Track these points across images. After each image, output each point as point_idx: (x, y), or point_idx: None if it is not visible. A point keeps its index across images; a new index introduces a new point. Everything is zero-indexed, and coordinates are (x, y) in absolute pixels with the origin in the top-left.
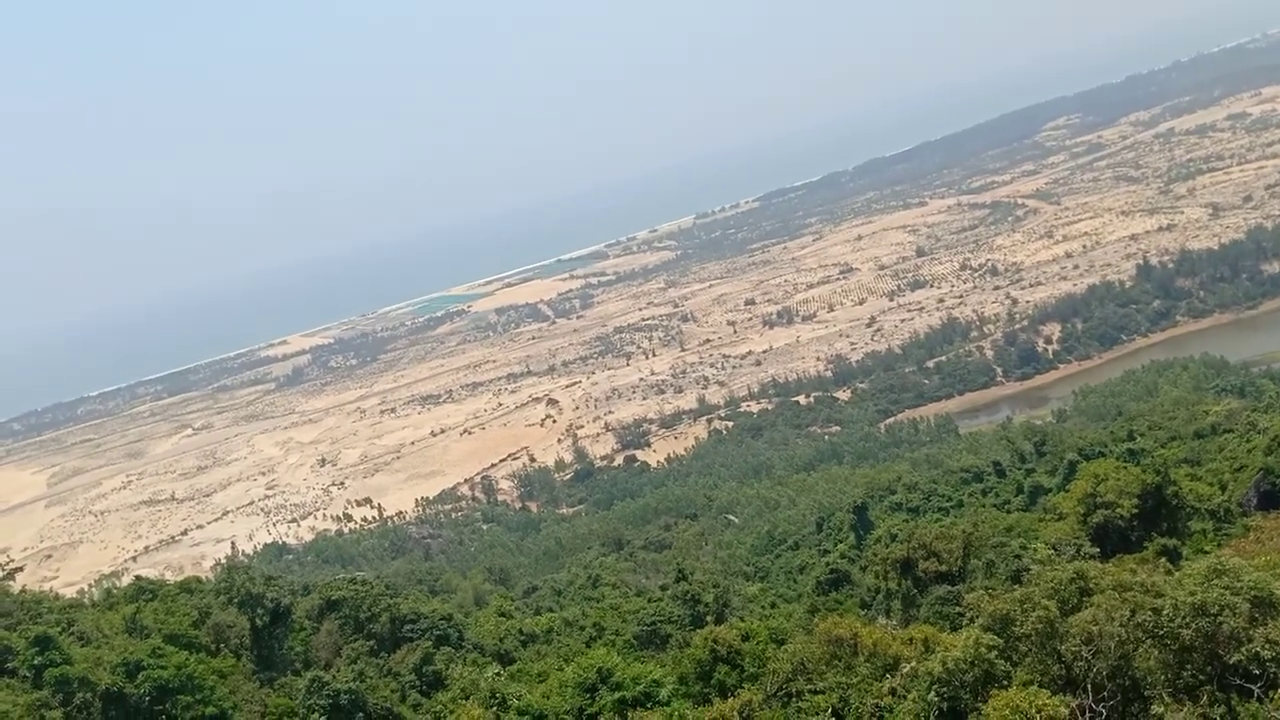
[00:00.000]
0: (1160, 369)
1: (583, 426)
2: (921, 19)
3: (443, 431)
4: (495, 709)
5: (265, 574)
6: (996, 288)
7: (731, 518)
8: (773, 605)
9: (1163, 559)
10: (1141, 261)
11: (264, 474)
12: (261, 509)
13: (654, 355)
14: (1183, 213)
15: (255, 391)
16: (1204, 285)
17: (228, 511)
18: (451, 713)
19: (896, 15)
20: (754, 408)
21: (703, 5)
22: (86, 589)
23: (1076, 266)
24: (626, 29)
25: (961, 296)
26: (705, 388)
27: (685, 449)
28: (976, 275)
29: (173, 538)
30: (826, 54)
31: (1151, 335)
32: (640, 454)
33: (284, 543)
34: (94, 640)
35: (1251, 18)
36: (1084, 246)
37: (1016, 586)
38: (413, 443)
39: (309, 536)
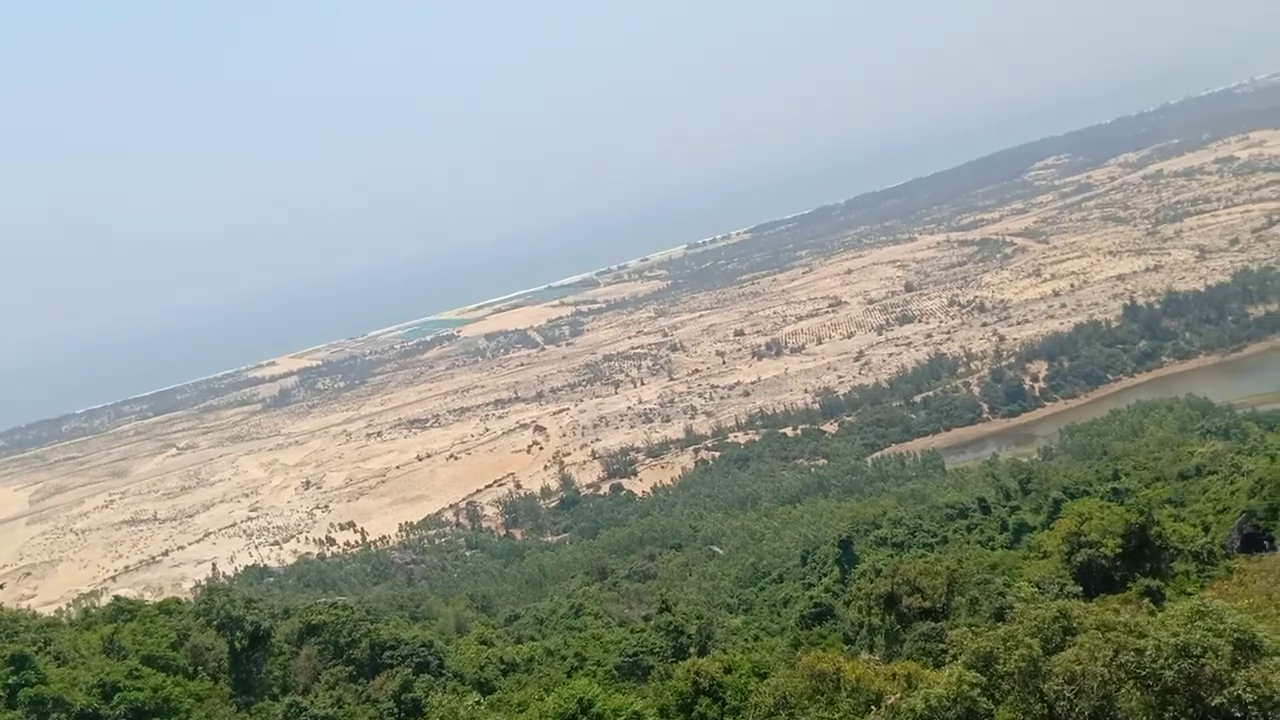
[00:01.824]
0: (1145, 409)
1: (569, 454)
2: (910, 52)
3: (429, 456)
4: None
5: (246, 596)
6: (984, 324)
7: (716, 549)
8: (756, 638)
9: (1146, 599)
10: (1128, 302)
11: (247, 495)
12: (244, 531)
13: (642, 384)
14: (1170, 254)
15: (241, 412)
16: (1190, 327)
17: (210, 533)
18: None
19: (884, 48)
20: (741, 439)
21: (692, 36)
22: (65, 608)
23: (1064, 305)
24: (623, 59)
25: (949, 332)
26: (693, 417)
27: (672, 479)
28: (964, 312)
29: (153, 558)
30: (818, 84)
31: (1137, 375)
32: (627, 483)
33: (265, 565)
34: (70, 660)
35: (1239, 63)
36: (1071, 285)
37: (1000, 624)
38: (398, 467)
39: (291, 559)
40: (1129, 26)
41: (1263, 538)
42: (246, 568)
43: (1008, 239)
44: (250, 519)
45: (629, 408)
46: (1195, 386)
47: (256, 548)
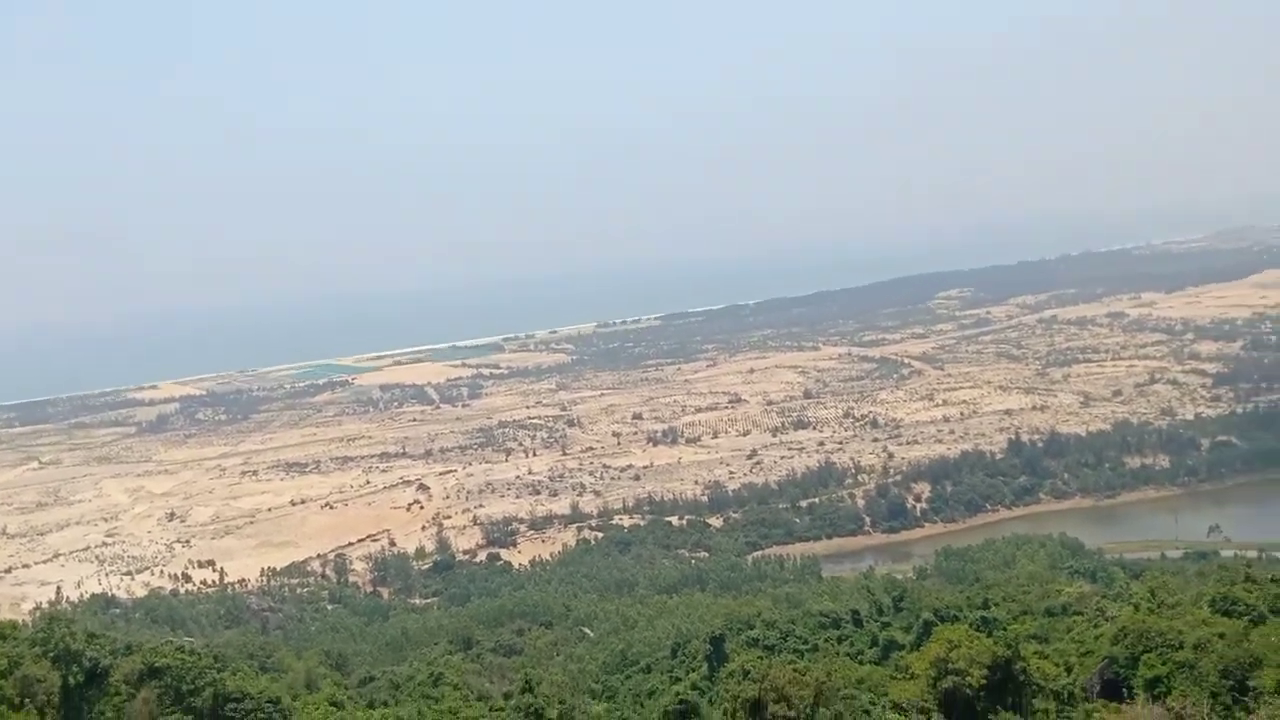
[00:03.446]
0: (1019, 542)
1: (450, 517)
2: (831, 182)
3: (303, 502)
4: None
5: (88, 630)
6: (875, 439)
7: (587, 631)
8: None
9: None
10: (1013, 436)
11: (106, 520)
12: (96, 556)
13: (534, 455)
14: (1056, 396)
15: (114, 433)
16: (1069, 468)
17: (60, 554)
18: None
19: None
20: (626, 522)
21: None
22: None
23: (952, 431)
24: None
25: (841, 443)
26: (581, 495)
27: (552, 554)
28: (858, 425)
29: None
30: (762, 195)
31: (1015, 508)
32: (505, 553)
33: (114, 595)
34: None
35: (1139, 227)
36: (961, 413)
37: None
38: (270, 509)
39: (142, 592)
40: (1055, 182)
41: (1121, 685)
42: (93, 595)
43: (906, 360)
44: (105, 544)
45: (517, 477)
46: (1068, 526)
47: (107, 575)
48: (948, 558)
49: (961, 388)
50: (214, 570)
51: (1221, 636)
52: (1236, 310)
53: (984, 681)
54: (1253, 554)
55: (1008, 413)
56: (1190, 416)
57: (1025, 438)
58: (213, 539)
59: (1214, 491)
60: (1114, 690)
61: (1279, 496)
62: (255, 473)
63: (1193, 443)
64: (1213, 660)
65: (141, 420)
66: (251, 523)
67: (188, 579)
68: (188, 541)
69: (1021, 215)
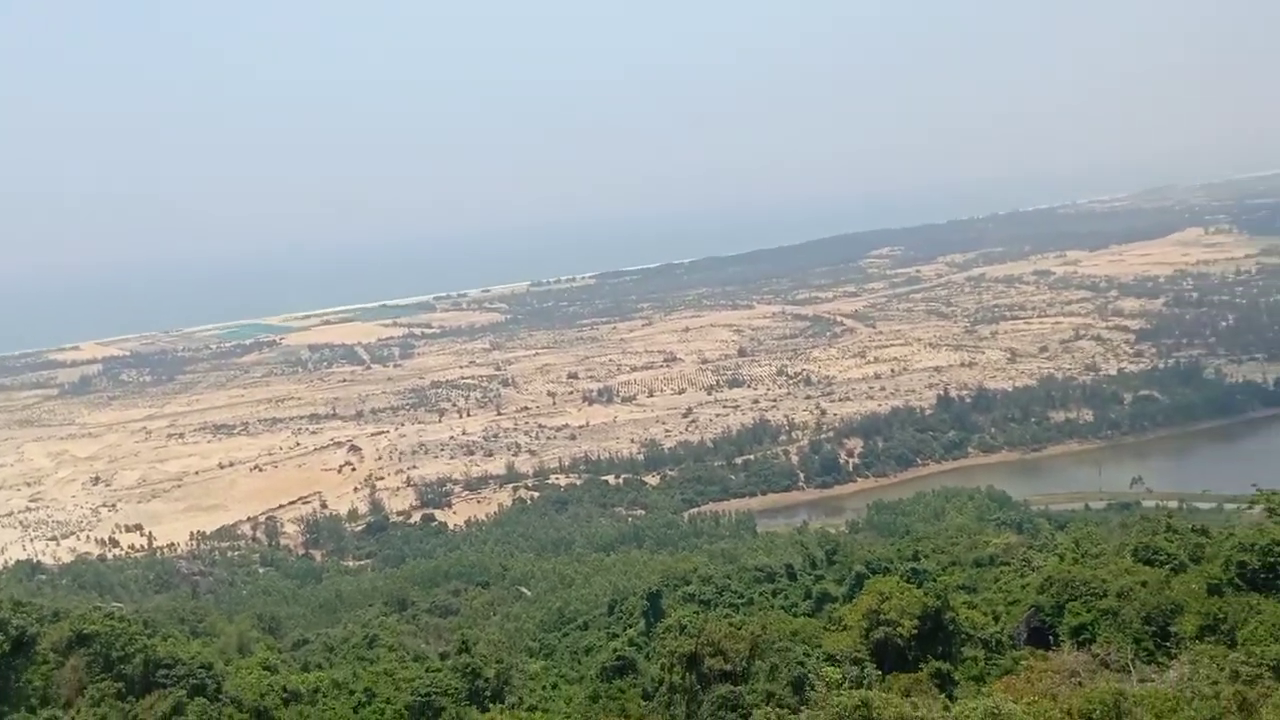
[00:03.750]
0: (949, 495)
1: (383, 478)
2: (769, 144)
3: (231, 465)
4: None
5: (14, 598)
6: (808, 397)
7: (524, 590)
8: (555, 686)
9: (936, 681)
10: (942, 392)
11: (29, 485)
12: (20, 522)
13: (468, 415)
14: (984, 353)
15: (35, 395)
16: (996, 423)
17: None
18: None
19: (748, 140)
20: (562, 481)
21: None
22: None
23: (884, 388)
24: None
25: (775, 400)
26: (516, 455)
27: (487, 514)
28: (791, 382)
29: None
30: (708, 148)
31: (944, 462)
32: (440, 514)
33: (39, 561)
34: None
35: (1065, 186)
36: (892, 370)
37: (797, 694)
38: (197, 472)
39: (68, 558)
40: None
41: (1048, 633)
42: (17, 562)
43: (838, 319)
44: (29, 510)
45: (451, 437)
46: (995, 479)
47: (31, 541)
48: (879, 511)
49: (892, 345)
50: (142, 535)
51: (1144, 585)
52: (1159, 268)
53: (915, 632)
54: (1174, 504)
55: (937, 369)
56: (1114, 372)
57: (954, 394)
58: (139, 503)
59: (1136, 444)
60: (1040, 638)
61: (1199, 449)
62: (182, 435)
63: (1116, 397)
64: (1135, 608)
65: (63, 382)
66: (179, 486)
67: (115, 544)
68: (114, 506)
69: (958, 177)
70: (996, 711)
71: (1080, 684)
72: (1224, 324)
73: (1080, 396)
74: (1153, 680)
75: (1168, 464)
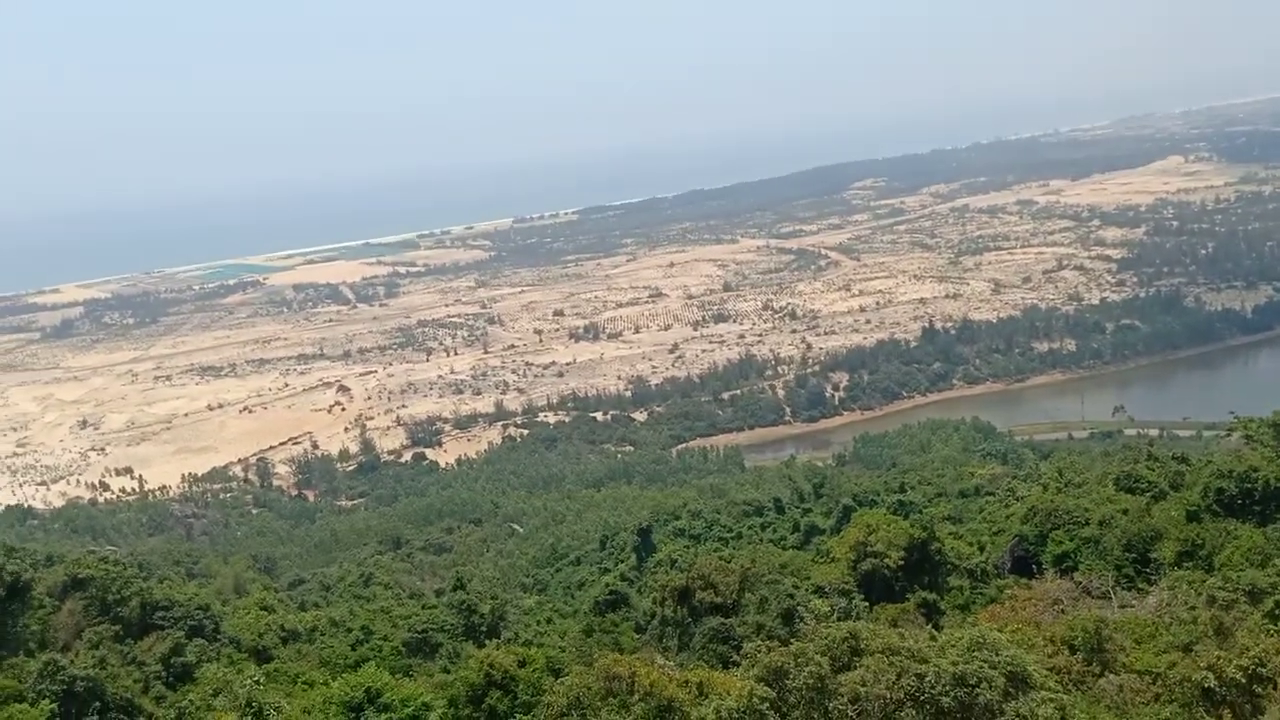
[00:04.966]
0: (934, 427)
1: (373, 418)
2: (745, 66)
3: (220, 406)
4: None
5: (6, 544)
6: (794, 331)
7: (516, 527)
8: (549, 620)
9: (923, 611)
10: (927, 325)
11: (16, 430)
12: (8, 467)
13: (456, 354)
14: (968, 284)
15: (17, 339)
16: (980, 354)
17: None
18: (199, 710)
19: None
20: (551, 418)
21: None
22: None
23: (869, 321)
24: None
25: (761, 335)
26: (504, 393)
27: (477, 452)
28: (777, 317)
29: None
30: (633, 80)
31: (929, 395)
32: (430, 452)
33: (30, 506)
34: None
35: (1049, 114)
36: (877, 303)
37: (787, 626)
38: (186, 414)
39: (59, 502)
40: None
41: (1031, 562)
42: (8, 507)
43: (823, 252)
44: (16, 455)
45: (440, 376)
46: (980, 410)
47: (21, 486)
48: (865, 444)
49: (877, 278)
50: (132, 478)
51: (1124, 513)
52: (1140, 197)
53: (901, 562)
54: (1154, 433)
55: (922, 301)
56: (1096, 301)
57: (939, 326)
58: (129, 446)
59: (1118, 373)
60: (1024, 566)
61: (1180, 377)
62: (169, 377)
63: (1098, 326)
64: (1116, 535)
65: (45, 325)
66: (168, 428)
67: (106, 487)
68: (103, 449)
69: (939, 102)
70: (982, 640)
71: (1063, 611)
72: (1203, 252)
73: (1063, 326)
74: (1133, 606)
75: (1149, 392)
